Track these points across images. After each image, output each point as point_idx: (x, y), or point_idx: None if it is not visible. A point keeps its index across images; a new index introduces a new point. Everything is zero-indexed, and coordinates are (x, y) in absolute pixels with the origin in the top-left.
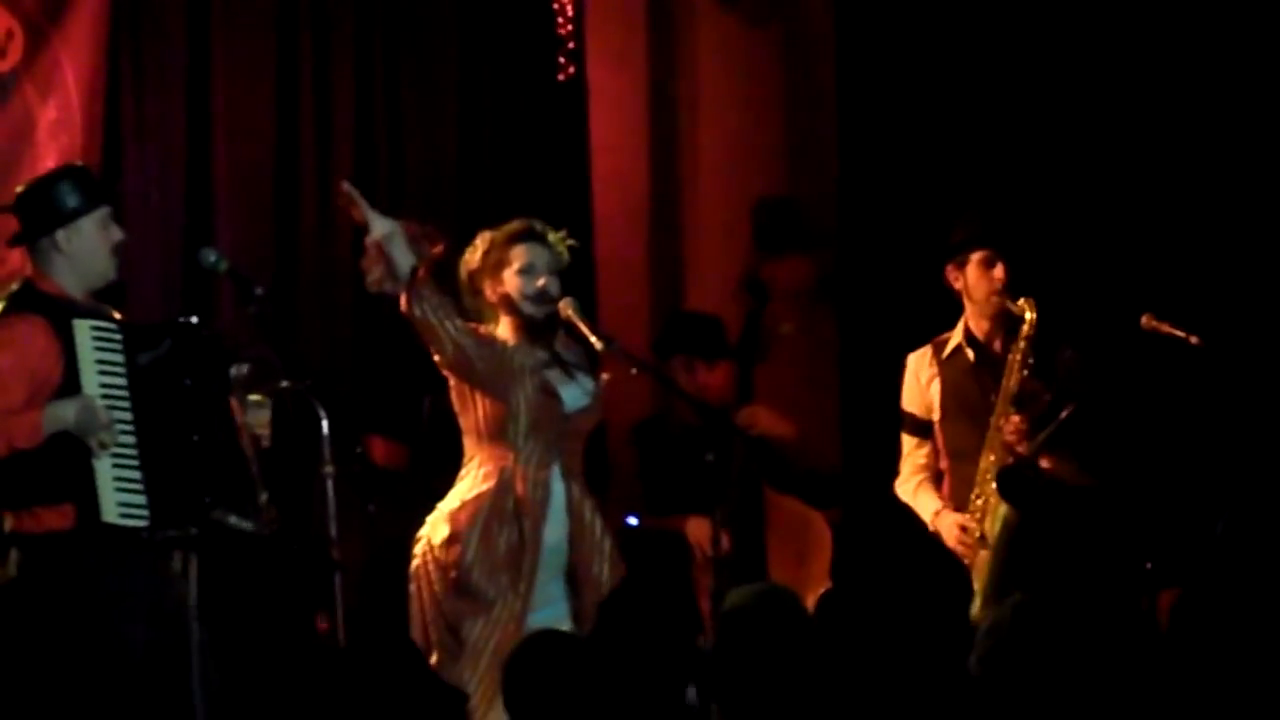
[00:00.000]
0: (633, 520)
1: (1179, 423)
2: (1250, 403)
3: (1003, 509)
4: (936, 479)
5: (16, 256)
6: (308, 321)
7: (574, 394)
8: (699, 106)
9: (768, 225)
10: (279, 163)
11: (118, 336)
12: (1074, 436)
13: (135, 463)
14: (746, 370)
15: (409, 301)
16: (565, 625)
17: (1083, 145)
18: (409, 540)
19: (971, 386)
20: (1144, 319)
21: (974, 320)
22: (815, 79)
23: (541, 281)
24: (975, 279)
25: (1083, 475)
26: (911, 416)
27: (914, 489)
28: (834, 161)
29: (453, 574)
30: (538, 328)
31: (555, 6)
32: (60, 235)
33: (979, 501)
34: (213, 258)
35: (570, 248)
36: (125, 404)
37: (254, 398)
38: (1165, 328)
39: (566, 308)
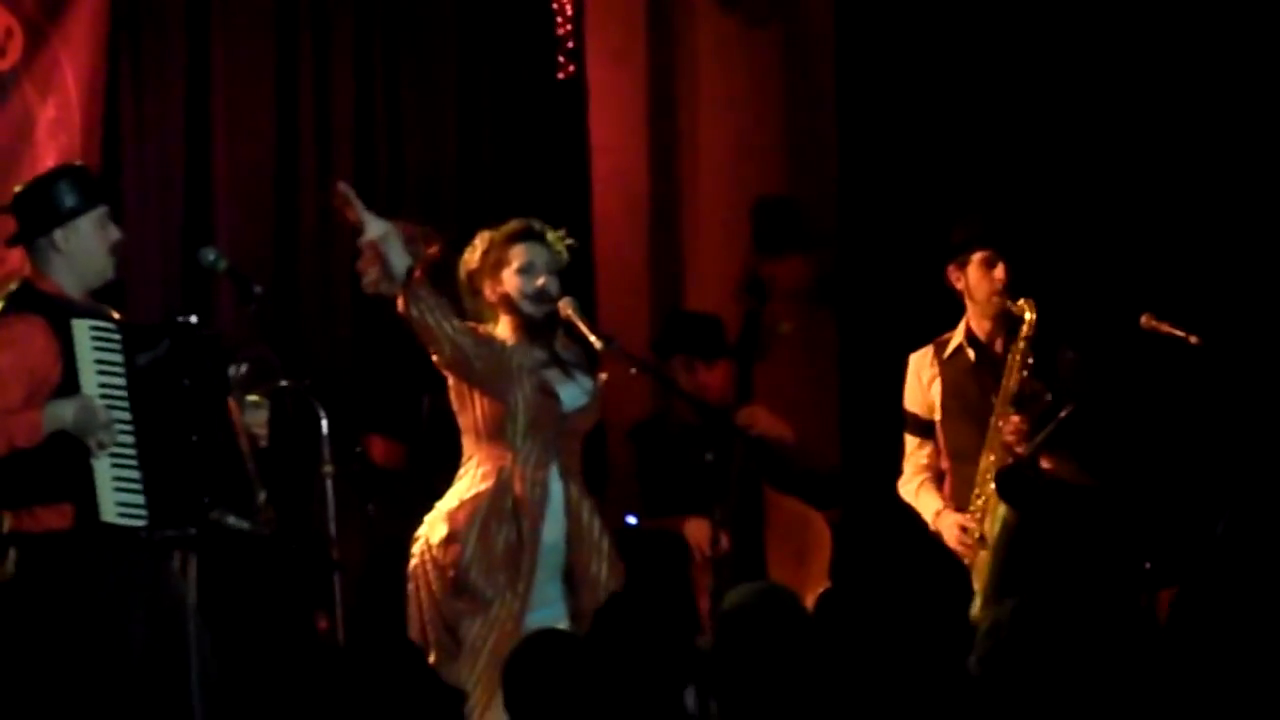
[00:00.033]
0: (632, 520)
1: (1178, 422)
2: (1250, 402)
3: (1002, 509)
4: (938, 479)
5: (15, 256)
6: (307, 321)
7: (572, 394)
8: (699, 106)
9: (767, 225)
10: (278, 162)
11: (116, 336)
12: (1074, 437)
13: (134, 462)
14: (746, 370)
15: (406, 302)
16: (563, 625)
17: (1082, 145)
18: (408, 539)
19: (972, 387)
20: (1143, 318)
21: (975, 320)
22: (815, 79)
23: (541, 281)
24: (976, 279)
25: (1083, 475)
26: (913, 416)
27: (916, 489)
28: (834, 161)
29: (451, 573)
30: (537, 327)
31: (555, 6)
32: (58, 235)
33: (979, 502)
34: (212, 256)
35: (569, 247)
36: (124, 404)
37: (252, 398)
38: (1164, 327)
39: (566, 307)
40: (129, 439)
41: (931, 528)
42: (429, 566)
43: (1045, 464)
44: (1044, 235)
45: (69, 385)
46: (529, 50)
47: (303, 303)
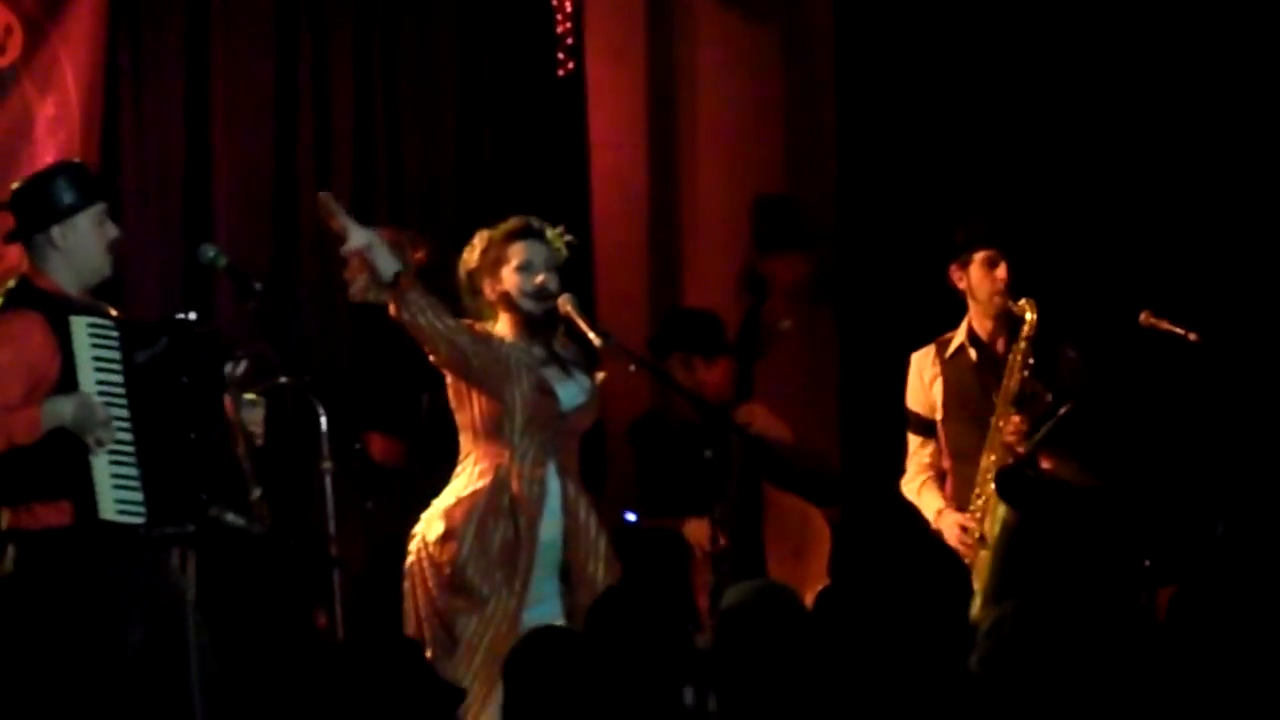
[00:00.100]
0: (631, 517)
1: (1178, 421)
2: (1250, 400)
3: (1002, 509)
4: (940, 478)
5: (15, 253)
6: (306, 318)
7: (571, 392)
8: (698, 103)
9: (767, 222)
10: (278, 159)
11: (114, 333)
12: (1074, 436)
13: (132, 460)
14: (745, 367)
15: (397, 307)
16: (559, 623)
17: (1083, 144)
18: (407, 537)
19: (974, 386)
20: (1142, 316)
21: (977, 320)
22: (814, 76)
23: (540, 278)
24: (978, 279)
25: (1083, 476)
26: (916, 416)
27: (918, 488)
28: (833, 158)
29: (447, 571)
30: (537, 324)
31: (554, 3)
32: (56, 231)
33: (980, 501)
34: (211, 253)
35: (569, 244)
36: (122, 401)
37: (249, 396)
38: (1164, 325)
39: (565, 303)
40: (127, 436)
41: (933, 527)
42: (425, 564)
43: (1045, 464)
44: (1046, 235)
45: (67, 382)
46: (528, 47)
47: (302, 299)
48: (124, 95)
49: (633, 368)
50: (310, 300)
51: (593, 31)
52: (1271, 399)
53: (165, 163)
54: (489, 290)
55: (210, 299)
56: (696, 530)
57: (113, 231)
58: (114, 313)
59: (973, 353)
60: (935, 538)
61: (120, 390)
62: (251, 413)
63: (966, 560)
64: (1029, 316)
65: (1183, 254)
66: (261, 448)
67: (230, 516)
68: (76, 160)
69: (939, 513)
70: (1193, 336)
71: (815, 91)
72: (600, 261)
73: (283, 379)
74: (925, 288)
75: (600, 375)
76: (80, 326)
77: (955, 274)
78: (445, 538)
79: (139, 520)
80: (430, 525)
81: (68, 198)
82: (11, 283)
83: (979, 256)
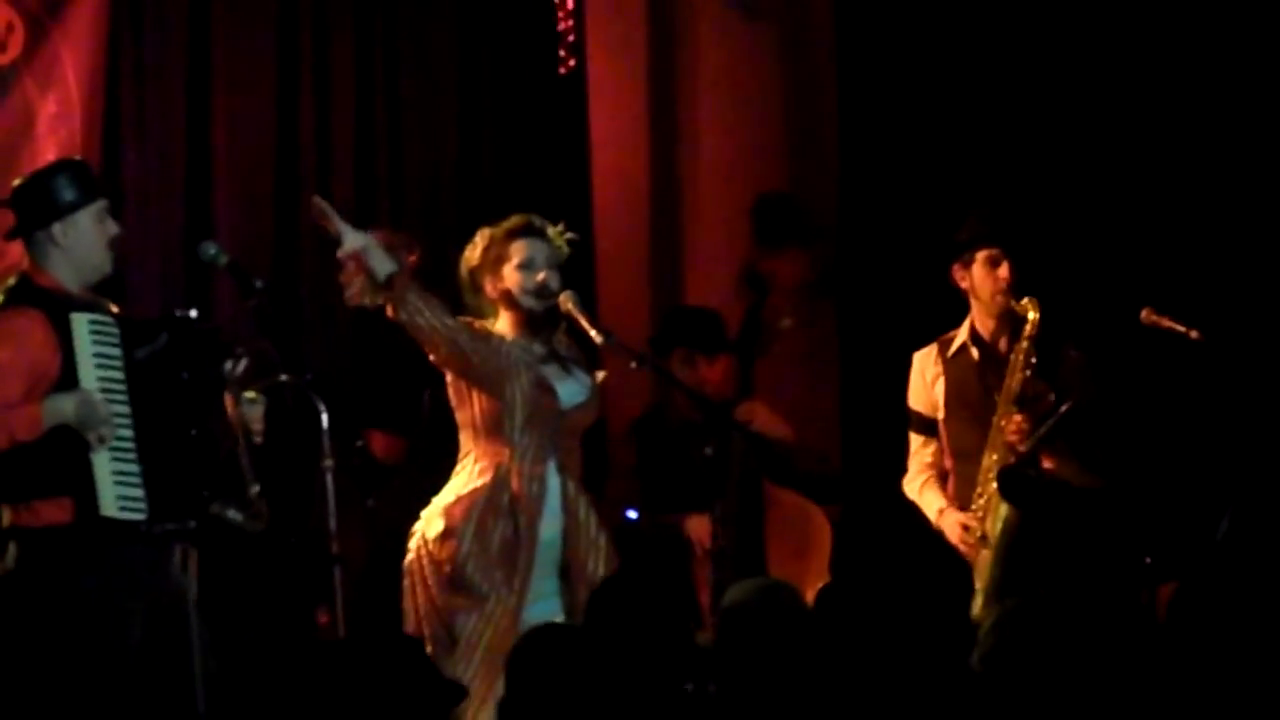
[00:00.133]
0: (632, 514)
1: (1180, 419)
2: (1251, 398)
3: (1004, 509)
4: (942, 478)
5: (15, 250)
6: (308, 315)
7: (571, 390)
8: (699, 101)
9: (768, 219)
10: (279, 156)
11: (115, 331)
12: (1076, 436)
13: (133, 456)
14: (746, 364)
15: (394, 308)
16: (559, 620)
17: (1085, 142)
18: (409, 534)
19: (976, 385)
20: (1144, 314)
21: (979, 319)
22: (816, 73)
23: (541, 276)
24: (981, 278)
25: (1084, 476)
26: (918, 415)
27: (920, 488)
28: (834, 156)
29: (447, 569)
30: (538, 322)
31: (555, 0)
32: (56, 229)
33: (981, 500)
34: (212, 251)
35: (570, 242)
36: (123, 398)
37: (248, 394)
38: (1165, 322)
39: (566, 301)
40: (128, 433)
41: (934, 526)
42: (425, 562)
43: (1047, 464)
44: (1048, 234)
45: (68, 379)
46: (529, 45)
47: (303, 297)
48: (125, 93)
49: (634, 365)
50: (311, 298)
51: (594, 29)
52: (1273, 397)
53: (166, 160)
54: (490, 288)
55: (211, 297)
56: (697, 527)
57: (113, 229)
58: (115, 309)
59: (975, 352)
60: (936, 535)
61: (121, 387)
62: (251, 410)
63: (968, 559)
64: (1031, 316)
65: (1185, 253)
66: (262, 445)
67: (231, 513)
68: (77, 158)
69: (940, 512)
70: (1194, 334)
71: (816, 89)
72: (601, 259)
73: (284, 377)
74: (926, 286)
75: (601, 374)
76: (81, 323)
77: (958, 273)
78: (445, 536)
79: (140, 517)
80: (430, 523)
81: (69, 195)
82: (12, 280)
83: (981, 255)
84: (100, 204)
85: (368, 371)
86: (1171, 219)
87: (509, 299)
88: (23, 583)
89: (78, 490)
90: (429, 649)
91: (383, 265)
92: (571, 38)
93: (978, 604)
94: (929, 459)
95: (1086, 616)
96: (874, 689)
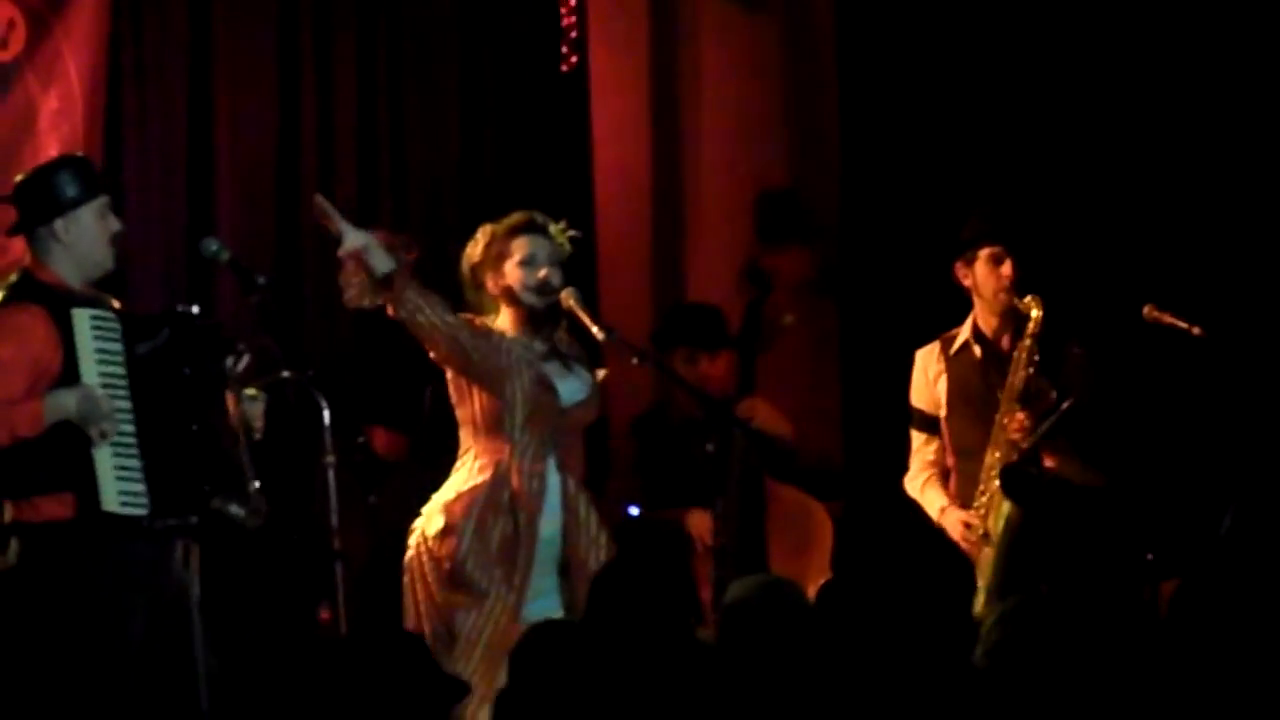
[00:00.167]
0: (634, 511)
1: (1182, 415)
2: (1254, 394)
3: (1006, 506)
4: (944, 475)
5: (18, 246)
6: (309, 312)
7: (571, 387)
8: (702, 98)
9: (770, 216)
10: (281, 152)
11: (116, 326)
12: (1078, 433)
13: (135, 451)
14: (748, 361)
15: (395, 306)
16: (558, 617)
17: (1087, 139)
18: (409, 531)
19: (978, 383)
20: (1146, 310)
21: (982, 317)
22: (818, 69)
23: (543, 273)
24: (983, 275)
25: (1087, 473)
26: (920, 412)
27: (921, 485)
28: (836, 152)
29: (446, 566)
30: (539, 319)
31: None
32: (58, 225)
33: (983, 498)
34: (214, 247)
35: (572, 239)
36: (124, 393)
37: (249, 391)
38: (1167, 318)
39: (568, 298)
40: (129, 428)
41: (936, 524)
42: (425, 559)
43: (1049, 462)
44: (1051, 231)
45: (69, 375)
46: (532, 42)
47: (305, 293)
48: (127, 89)
49: (635, 362)
50: (313, 294)
51: (596, 26)
52: (1275, 393)
53: (168, 156)
54: (491, 285)
55: (213, 293)
56: (698, 522)
57: (115, 225)
58: (116, 304)
59: (977, 349)
60: (938, 532)
61: (122, 382)
62: (252, 408)
63: (970, 556)
64: (1034, 313)
65: (1187, 250)
66: (263, 441)
67: (233, 508)
68: (79, 154)
69: (942, 510)
70: (1196, 330)
71: (819, 86)
72: (603, 256)
73: (285, 373)
74: (929, 283)
75: (601, 372)
76: (82, 319)
77: (960, 271)
78: (444, 533)
79: (141, 512)
80: (430, 520)
81: (71, 191)
82: (14, 276)
83: (984, 253)
84: (102, 200)
85: (369, 368)
86: (1173, 216)
87: (510, 296)
88: (24, 578)
89: (79, 486)
90: (429, 646)
91: (383, 263)
92: (574, 34)
93: (980, 601)
94: (931, 457)
95: (1089, 613)
96: (876, 686)
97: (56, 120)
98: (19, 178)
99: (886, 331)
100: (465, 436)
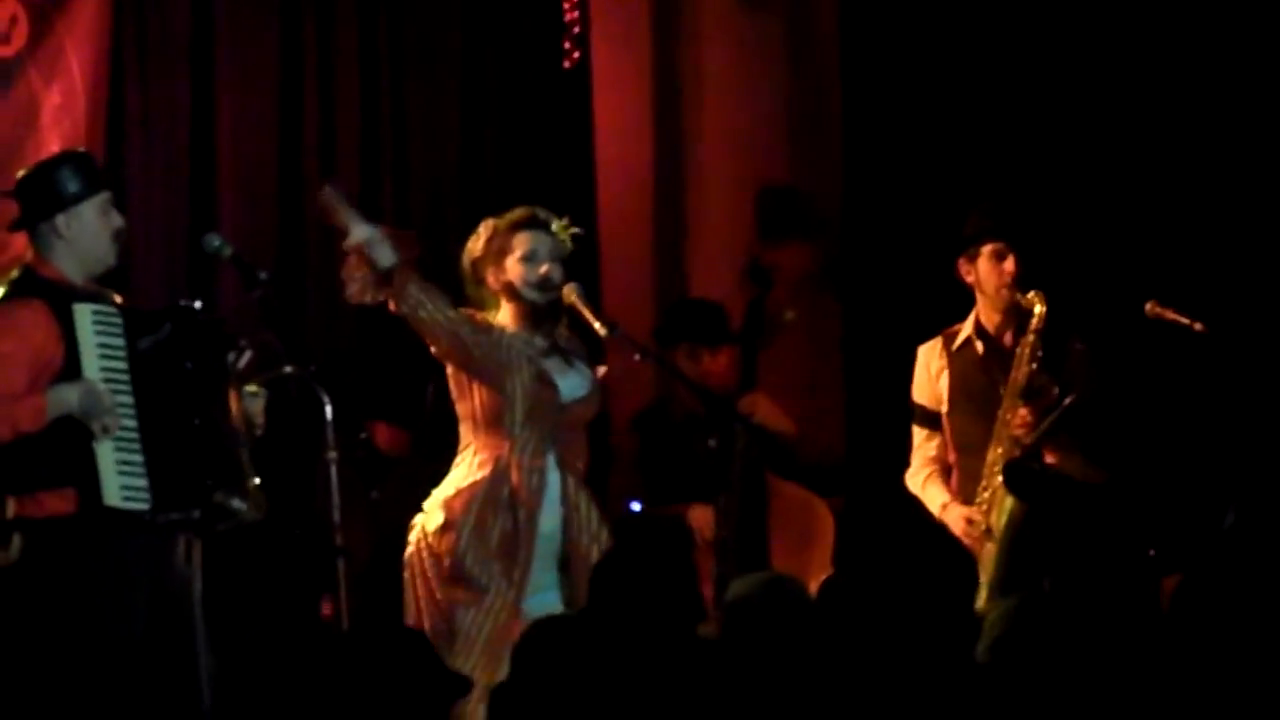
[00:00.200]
0: (636, 507)
1: (1184, 411)
2: (1256, 390)
3: (1009, 502)
4: (946, 471)
5: (20, 242)
6: (311, 307)
7: (572, 383)
8: (704, 93)
9: (772, 211)
10: (283, 148)
11: (118, 321)
12: (1081, 429)
13: (137, 446)
14: (750, 357)
15: (396, 301)
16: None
17: (1090, 135)
18: (411, 526)
19: (980, 379)
20: (1148, 306)
21: (985, 313)
22: (820, 64)
23: (544, 269)
24: (986, 272)
25: (1089, 469)
26: (922, 408)
27: (923, 481)
28: (838, 148)
29: (446, 562)
30: (540, 315)
31: None
32: (60, 220)
33: (986, 494)
34: (216, 243)
35: (574, 235)
36: (126, 388)
37: (250, 388)
38: (1170, 314)
39: (570, 293)
40: (131, 423)
41: (938, 520)
42: (425, 555)
43: (1052, 457)
44: (1054, 227)
45: (71, 370)
46: (534, 38)
47: (307, 289)
48: (129, 84)
49: (638, 358)
50: (315, 289)
51: (599, 22)
52: (1278, 389)
53: (170, 152)
54: (493, 280)
55: (215, 289)
56: (700, 517)
57: (117, 221)
58: (118, 299)
59: (980, 345)
60: (940, 528)
61: (124, 377)
62: (253, 404)
63: (973, 552)
64: (1038, 309)
65: (1189, 245)
66: (264, 437)
67: (235, 502)
68: (82, 149)
69: (944, 506)
70: (1198, 326)
71: (820, 82)
72: (605, 252)
73: (288, 368)
74: (931, 279)
75: (602, 369)
76: (84, 314)
77: (963, 267)
78: (444, 529)
79: (144, 507)
80: (429, 516)
81: (73, 187)
82: (15, 272)
83: (987, 249)
84: (104, 196)
85: (371, 363)
86: (1176, 212)
87: (511, 291)
88: (27, 573)
89: (81, 481)
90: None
91: (386, 258)
92: (576, 31)
93: (982, 597)
94: (933, 453)
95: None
96: (879, 682)
97: (59, 116)
98: (21, 173)
99: (888, 327)
100: (465, 432)
